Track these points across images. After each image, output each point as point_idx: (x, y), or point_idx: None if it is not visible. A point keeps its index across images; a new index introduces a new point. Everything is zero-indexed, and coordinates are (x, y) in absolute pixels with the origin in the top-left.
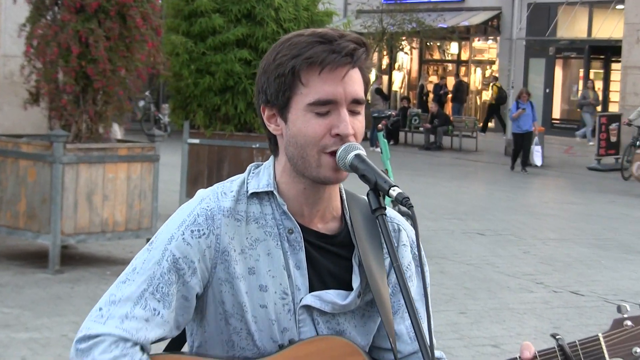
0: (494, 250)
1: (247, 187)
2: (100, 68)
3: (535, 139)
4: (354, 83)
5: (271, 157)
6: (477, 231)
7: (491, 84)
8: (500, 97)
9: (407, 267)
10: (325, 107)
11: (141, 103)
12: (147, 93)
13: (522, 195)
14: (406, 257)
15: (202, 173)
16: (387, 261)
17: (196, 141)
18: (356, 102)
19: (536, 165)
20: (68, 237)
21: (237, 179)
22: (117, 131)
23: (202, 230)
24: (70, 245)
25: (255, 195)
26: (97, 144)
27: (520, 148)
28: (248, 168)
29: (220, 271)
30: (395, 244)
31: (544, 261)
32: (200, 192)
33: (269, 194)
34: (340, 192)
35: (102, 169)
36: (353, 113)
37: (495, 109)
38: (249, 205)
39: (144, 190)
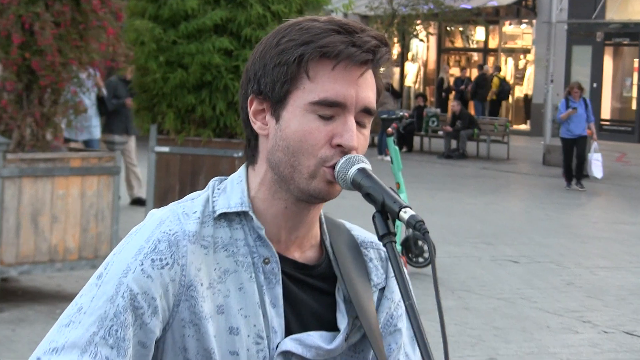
0: (530, 281)
1: (213, 207)
2: (48, 61)
3: (594, 145)
4: (368, 88)
5: (242, 168)
6: (509, 258)
7: (493, 75)
8: (503, 92)
9: (398, 305)
10: (330, 109)
11: None
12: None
13: (565, 214)
14: (396, 291)
15: (172, 188)
16: (376, 296)
17: (165, 149)
18: (366, 111)
19: (595, 178)
20: (8, 267)
21: (198, 196)
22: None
23: (165, 259)
24: (11, 278)
25: (224, 216)
26: (44, 154)
27: (572, 157)
28: (211, 183)
29: (184, 310)
30: (384, 276)
31: (592, 294)
32: (156, 213)
33: (241, 214)
34: (319, 215)
35: (51, 184)
36: (359, 125)
37: (496, 105)
38: (216, 228)
39: (101, 210)
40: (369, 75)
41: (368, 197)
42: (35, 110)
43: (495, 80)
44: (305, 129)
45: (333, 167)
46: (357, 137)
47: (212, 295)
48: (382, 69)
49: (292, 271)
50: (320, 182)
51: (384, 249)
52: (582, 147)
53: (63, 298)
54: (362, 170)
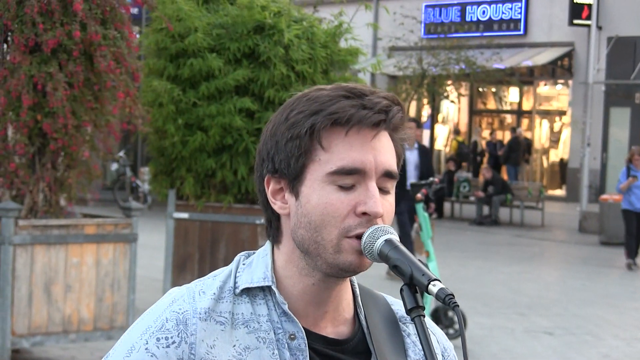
0: (565, 354)
1: (234, 282)
2: (61, 123)
3: None
4: (386, 151)
5: (268, 243)
6: (543, 330)
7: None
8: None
9: None
10: (350, 177)
11: (114, 167)
12: (121, 154)
13: (602, 283)
14: None
15: (191, 257)
16: None
17: (184, 216)
18: (388, 175)
19: None
20: (20, 338)
21: (221, 272)
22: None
23: (172, 337)
24: (23, 350)
25: (247, 291)
26: (57, 220)
27: (634, 231)
28: (237, 258)
29: None
30: (422, 352)
31: None
32: (173, 292)
33: (265, 289)
34: (353, 286)
35: (64, 251)
36: (382, 191)
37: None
38: (236, 305)
39: (117, 279)
40: (385, 138)
41: (396, 269)
42: (47, 175)
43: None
44: (326, 202)
45: (357, 237)
46: (382, 204)
47: None
48: (401, 133)
49: (322, 347)
50: (348, 255)
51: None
52: None
53: None
54: (389, 242)
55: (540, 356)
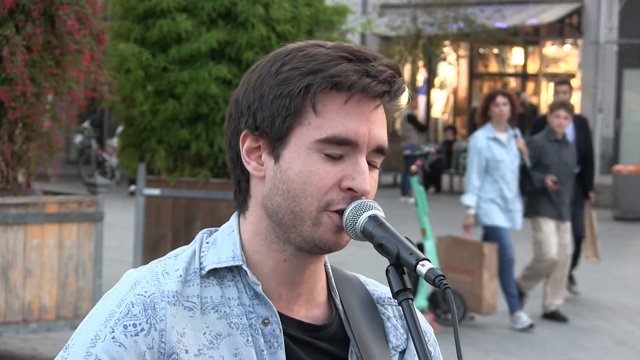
0: (575, 340)
1: (200, 263)
2: (19, 91)
3: None
4: (381, 125)
5: (233, 217)
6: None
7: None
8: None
9: None
10: (340, 148)
11: (78, 139)
12: (85, 125)
13: (616, 263)
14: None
15: (164, 237)
16: (396, 358)
17: (156, 192)
18: (380, 151)
19: None
20: None
21: (183, 252)
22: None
23: (140, 324)
24: None
25: (213, 272)
26: (15, 198)
27: None
28: (198, 236)
29: None
30: (404, 336)
31: None
32: (132, 274)
33: (234, 270)
34: (326, 266)
35: (23, 232)
36: (370, 166)
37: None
38: (204, 287)
39: (82, 263)
40: (381, 110)
41: (381, 248)
42: (5, 148)
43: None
44: (310, 170)
45: (339, 212)
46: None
47: None
48: (398, 104)
49: (297, 333)
50: (326, 231)
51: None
52: None
53: None
54: (373, 218)
55: (548, 343)
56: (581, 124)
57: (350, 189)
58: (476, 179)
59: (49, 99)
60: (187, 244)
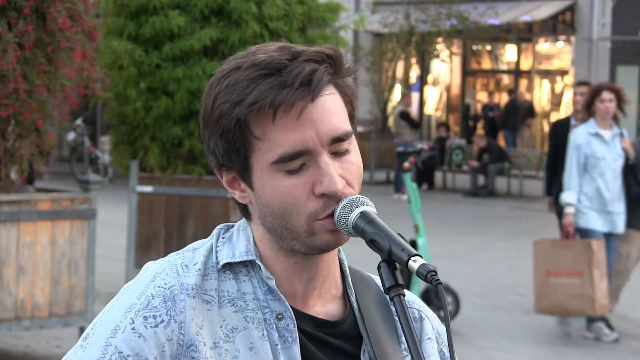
0: (568, 337)
1: (216, 257)
2: (11, 88)
3: None
4: (328, 115)
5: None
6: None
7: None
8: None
9: None
10: (296, 161)
11: (70, 136)
12: (78, 122)
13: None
14: (432, 355)
15: (157, 235)
16: (408, 359)
17: (149, 189)
18: (338, 139)
19: None
20: None
21: (201, 246)
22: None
23: (160, 316)
24: None
25: (229, 267)
26: (7, 195)
27: None
28: (215, 231)
29: None
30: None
31: None
32: (151, 266)
33: (249, 264)
34: (342, 265)
35: (16, 230)
36: (337, 155)
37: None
38: (221, 281)
39: (75, 260)
40: (323, 99)
41: (372, 244)
42: None
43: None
44: (280, 191)
45: (330, 215)
46: (343, 169)
47: (217, 356)
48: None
49: (311, 329)
50: (323, 235)
51: (417, 307)
52: None
53: None
54: (364, 214)
55: (541, 340)
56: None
57: (323, 194)
58: (577, 175)
59: (41, 96)
60: (180, 241)
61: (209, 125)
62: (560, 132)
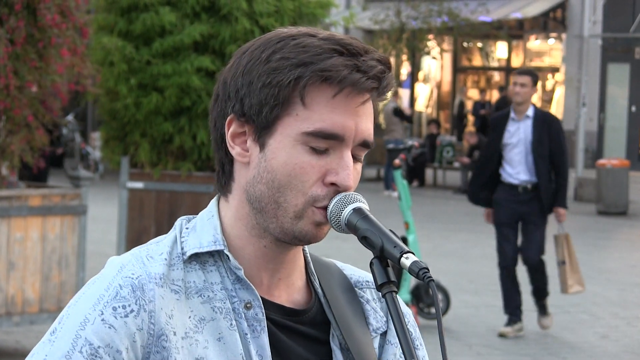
0: (559, 334)
1: (181, 248)
2: (2, 84)
3: None
4: (368, 119)
5: (212, 203)
6: (535, 308)
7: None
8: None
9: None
10: (326, 142)
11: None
12: (69, 118)
13: (600, 257)
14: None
15: (147, 230)
16: (377, 342)
17: (139, 185)
18: (365, 145)
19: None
20: None
21: (164, 238)
22: None
23: (129, 306)
24: None
25: (195, 257)
26: None
27: None
28: (177, 223)
29: None
30: (384, 319)
31: (630, 349)
32: (116, 259)
33: (215, 254)
34: (304, 251)
35: (7, 225)
36: (355, 159)
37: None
38: (187, 272)
39: (65, 256)
40: (369, 104)
41: (365, 240)
42: None
43: None
44: (295, 163)
45: (324, 208)
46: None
47: (189, 346)
48: (384, 98)
49: (280, 317)
50: (307, 224)
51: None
52: None
53: (22, 357)
54: (358, 211)
55: (531, 337)
56: (546, 122)
57: (333, 184)
58: None
59: (32, 92)
60: None
61: (252, 72)
62: (503, 126)
